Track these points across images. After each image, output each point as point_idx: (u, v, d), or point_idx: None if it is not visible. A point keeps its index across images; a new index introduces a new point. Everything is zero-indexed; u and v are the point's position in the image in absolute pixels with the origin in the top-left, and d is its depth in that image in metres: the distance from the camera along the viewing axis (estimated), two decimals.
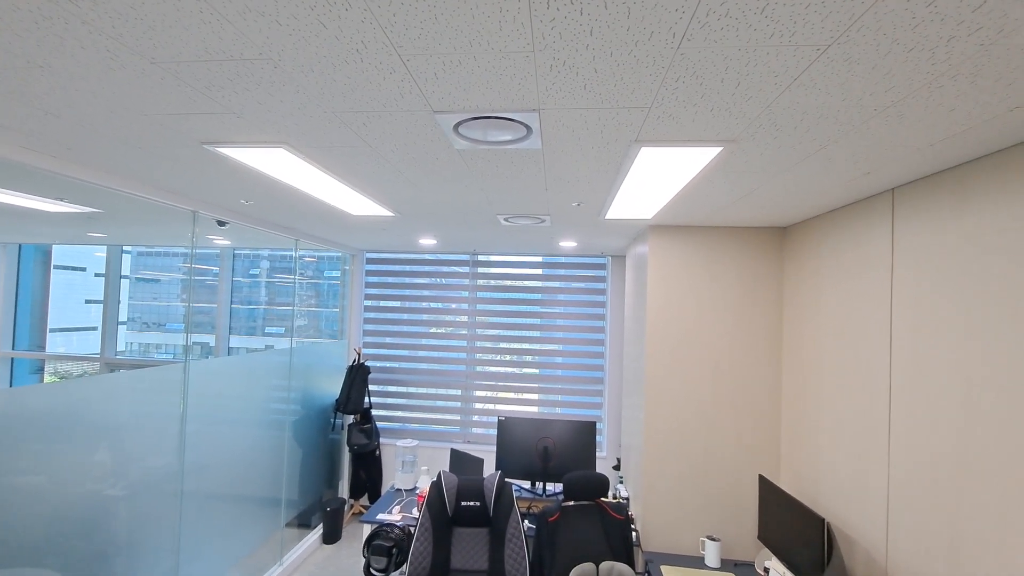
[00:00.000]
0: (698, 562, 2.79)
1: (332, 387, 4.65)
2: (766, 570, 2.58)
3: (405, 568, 2.65)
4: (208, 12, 0.97)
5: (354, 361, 4.67)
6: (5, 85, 1.32)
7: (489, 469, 3.76)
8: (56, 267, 5.92)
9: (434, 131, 1.57)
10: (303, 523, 4.20)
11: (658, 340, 3.03)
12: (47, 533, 2.07)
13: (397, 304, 5.04)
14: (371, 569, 2.97)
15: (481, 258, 4.89)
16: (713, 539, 2.77)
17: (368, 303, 5.05)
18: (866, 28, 0.94)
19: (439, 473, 2.82)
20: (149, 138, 1.72)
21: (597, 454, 4.01)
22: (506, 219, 3.00)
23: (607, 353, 4.64)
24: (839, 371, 2.33)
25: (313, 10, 0.95)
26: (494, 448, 3.70)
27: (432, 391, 4.91)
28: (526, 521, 2.99)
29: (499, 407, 4.80)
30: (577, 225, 3.17)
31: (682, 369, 3.01)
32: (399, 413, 4.98)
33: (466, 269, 4.91)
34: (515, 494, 2.93)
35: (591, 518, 2.72)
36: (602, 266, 4.71)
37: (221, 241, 4.35)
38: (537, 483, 3.61)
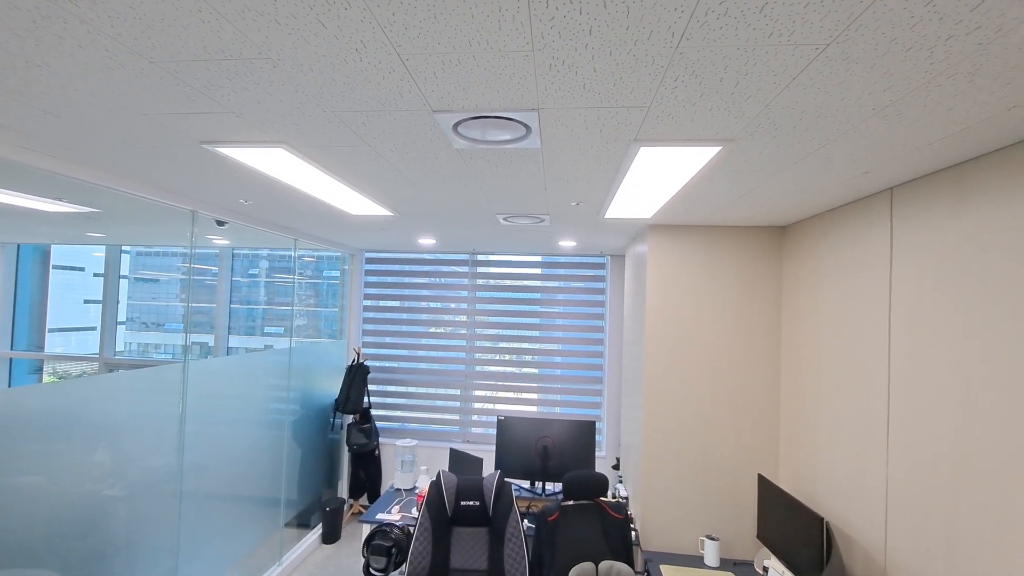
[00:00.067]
0: (697, 561, 2.80)
1: (331, 387, 4.65)
2: (765, 569, 2.58)
3: (404, 568, 2.65)
4: (207, 11, 0.96)
5: (353, 361, 4.67)
6: (4, 84, 1.32)
7: (488, 469, 3.76)
8: (55, 267, 5.91)
9: (433, 130, 1.57)
10: (302, 523, 4.19)
11: (657, 339, 3.04)
12: (46, 533, 2.07)
13: (396, 304, 5.04)
14: (370, 569, 2.97)
15: (480, 258, 4.89)
16: (712, 538, 2.77)
17: (367, 303, 5.05)
18: (864, 27, 0.95)
19: (438, 473, 2.82)
20: (148, 138, 1.72)
21: (596, 453, 4.00)
22: (505, 218, 3.01)
23: (606, 352, 4.64)
24: (838, 370, 2.33)
25: (312, 9, 0.95)
26: (493, 448, 3.70)
27: (431, 391, 4.91)
28: (525, 521, 2.99)
29: (498, 407, 4.80)
30: (576, 224, 3.17)
31: (681, 368, 3.01)
32: (398, 413, 4.97)
33: (465, 269, 4.91)
34: (514, 493, 2.93)
35: (590, 517, 2.73)
36: (601, 265, 4.71)
37: (220, 241, 4.34)
38: (536, 483, 3.62)
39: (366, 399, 4.64)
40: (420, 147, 1.73)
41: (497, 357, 4.86)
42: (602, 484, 2.76)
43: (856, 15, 0.91)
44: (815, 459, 2.51)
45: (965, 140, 1.46)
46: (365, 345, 5.00)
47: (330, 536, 4.32)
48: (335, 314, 5.17)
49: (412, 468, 3.83)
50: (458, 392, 4.87)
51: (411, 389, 4.98)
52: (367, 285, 5.06)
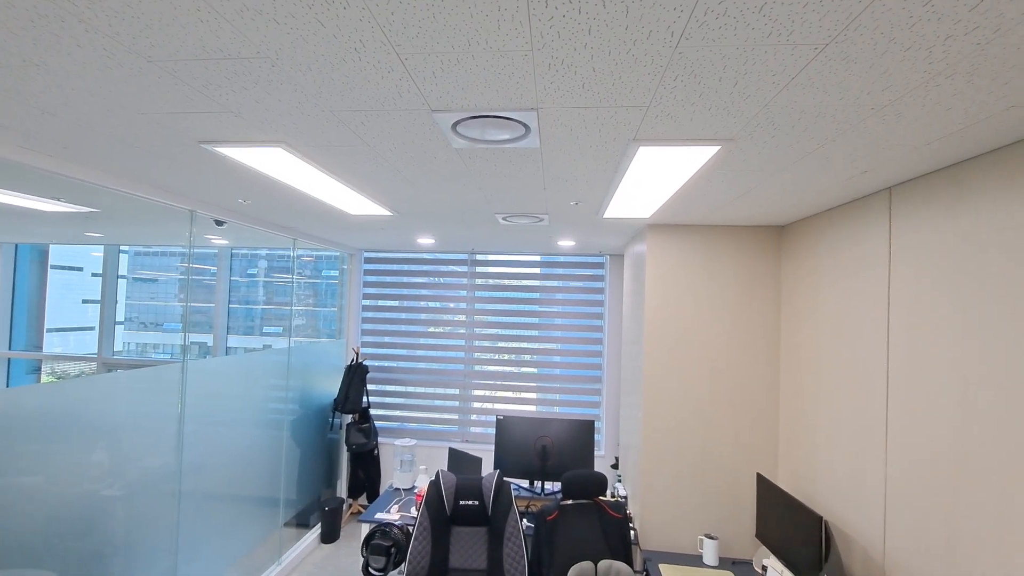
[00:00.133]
0: (696, 560, 2.80)
1: (330, 387, 4.65)
2: (764, 568, 2.59)
3: (404, 567, 2.64)
4: (206, 10, 0.96)
5: (352, 360, 4.67)
6: (1, 84, 1.32)
7: (487, 468, 3.76)
8: (53, 267, 5.90)
9: (432, 130, 1.57)
10: (301, 523, 4.19)
11: (656, 339, 3.04)
12: (44, 533, 2.06)
13: (395, 303, 5.04)
14: (369, 568, 2.97)
15: (479, 257, 4.89)
16: (711, 537, 2.78)
17: (366, 302, 5.04)
18: (863, 27, 0.95)
19: (437, 472, 2.82)
20: (146, 137, 1.71)
21: (595, 453, 4.01)
22: (504, 218, 3.00)
23: (605, 352, 4.65)
24: (836, 370, 2.34)
25: (311, 8, 0.95)
26: (492, 447, 3.70)
27: (430, 390, 4.91)
28: (524, 520, 2.99)
29: (497, 406, 4.80)
30: (575, 224, 3.17)
31: (680, 368, 3.01)
32: (397, 412, 4.97)
33: (464, 268, 4.90)
34: (513, 493, 2.94)
35: (589, 517, 2.73)
36: (600, 265, 4.72)
37: (219, 240, 4.34)
38: (535, 482, 3.62)
39: (365, 399, 4.63)
40: (419, 147, 1.73)
41: (496, 357, 4.86)
42: (601, 483, 2.76)
43: (855, 15, 0.91)
44: (814, 458, 2.52)
45: (963, 140, 1.46)
46: (364, 345, 5.00)
47: (329, 536, 4.32)
48: (334, 314, 5.16)
49: (411, 468, 3.83)
50: (457, 392, 4.87)
51: (410, 389, 4.97)
52: (366, 285, 5.06)
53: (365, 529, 3.18)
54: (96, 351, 5.19)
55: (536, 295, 4.82)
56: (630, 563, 2.61)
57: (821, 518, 2.12)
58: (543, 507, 2.78)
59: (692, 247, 3.04)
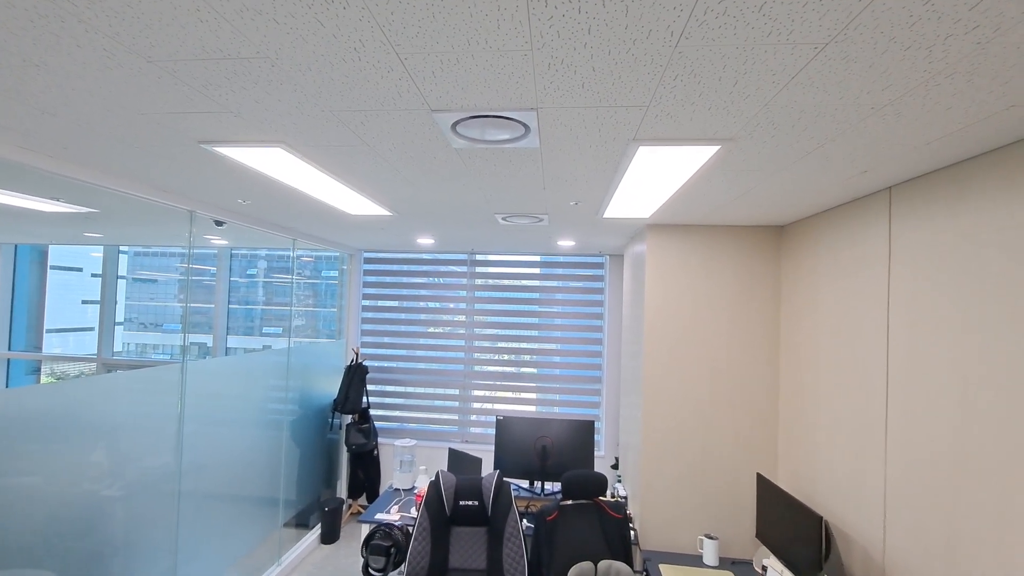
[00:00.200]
0: (696, 560, 2.80)
1: (330, 387, 4.64)
2: (764, 568, 2.59)
3: (403, 568, 2.64)
4: (205, 10, 0.96)
5: (352, 361, 4.67)
6: (1, 84, 1.32)
7: (487, 468, 3.76)
8: (52, 267, 5.90)
9: (432, 130, 1.57)
10: (301, 523, 4.19)
11: (656, 339, 3.04)
12: (44, 534, 2.06)
13: (395, 304, 5.04)
14: (369, 569, 2.97)
15: (479, 257, 4.89)
16: (711, 537, 2.78)
17: (366, 303, 5.04)
18: (863, 26, 0.95)
19: (437, 473, 2.82)
20: (146, 137, 1.71)
21: (595, 453, 4.01)
22: (504, 218, 3.00)
23: (605, 352, 4.65)
24: (836, 369, 2.34)
25: (311, 8, 0.95)
26: (492, 447, 3.70)
27: (430, 391, 4.91)
28: (524, 520, 2.99)
29: (497, 406, 4.80)
30: (575, 224, 3.17)
31: (680, 368, 3.01)
32: (397, 413, 4.97)
33: (464, 268, 4.90)
34: (513, 493, 2.94)
35: (589, 517, 2.73)
36: (600, 265, 4.72)
37: (218, 241, 4.33)
38: (535, 482, 3.62)
39: (365, 399, 4.63)
40: (419, 146, 1.73)
41: (496, 357, 4.85)
42: (601, 483, 2.76)
43: (855, 14, 0.91)
44: (814, 458, 2.52)
45: (964, 139, 1.46)
46: (364, 345, 5.00)
47: (329, 536, 4.32)
48: (334, 314, 5.16)
49: (411, 468, 3.83)
50: (457, 392, 4.86)
51: (410, 389, 4.97)
52: (366, 285, 5.06)
53: (365, 529, 3.18)
54: (96, 352, 5.19)
55: (536, 295, 4.81)
56: (630, 563, 2.61)
57: (821, 518, 2.12)
58: (543, 507, 2.78)
59: (692, 247, 3.04)
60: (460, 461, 3.61)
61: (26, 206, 2.87)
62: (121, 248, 5.76)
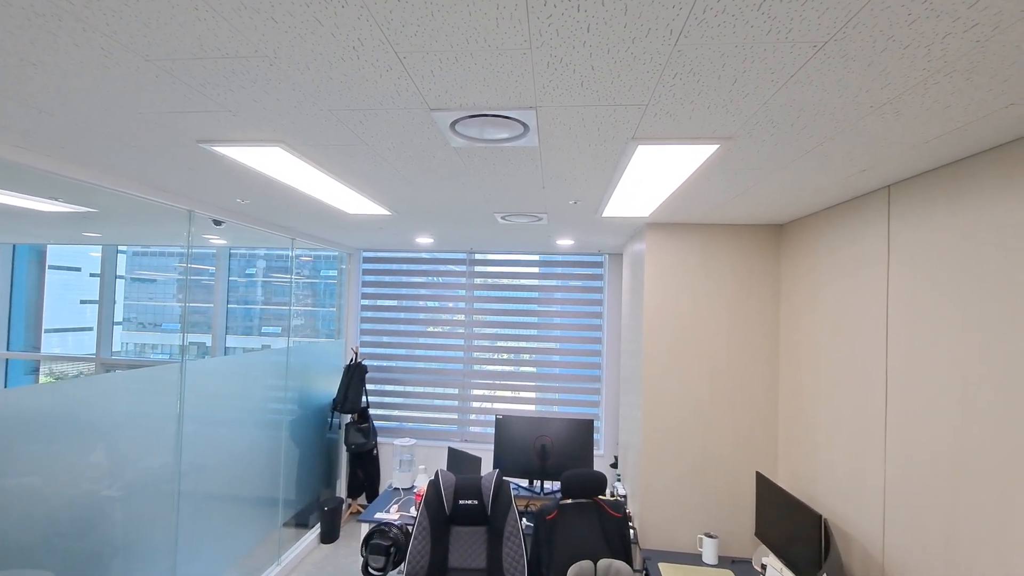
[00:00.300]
0: (696, 559, 2.80)
1: (329, 386, 4.64)
2: (763, 567, 2.59)
3: (403, 567, 2.64)
4: (203, 9, 0.96)
5: (351, 360, 4.66)
6: None
7: (487, 468, 3.76)
8: (51, 267, 5.90)
9: (431, 129, 1.57)
10: (301, 523, 4.19)
11: (655, 338, 3.04)
12: (43, 534, 2.06)
13: (394, 303, 5.04)
14: (369, 568, 2.97)
15: (478, 257, 4.89)
16: (711, 536, 2.78)
17: (365, 302, 5.04)
18: (862, 25, 0.95)
19: (437, 472, 2.82)
20: (144, 136, 1.71)
21: (595, 452, 4.01)
22: (503, 217, 3.00)
23: (604, 351, 4.65)
24: (836, 368, 2.34)
25: (309, 7, 0.94)
26: (492, 447, 3.70)
27: (429, 390, 4.91)
28: (524, 519, 2.99)
29: (496, 406, 4.80)
30: (574, 223, 3.17)
31: (679, 367, 3.01)
32: (396, 412, 4.97)
33: (463, 268, 4.90)
34: (513, 492, 2.93)
35: (589, 516, 2.73)
36: (599, 264, 4.72)
37: (217, 240, 4.33)
38: (535, 481, 3.62)
39: (364, 398, 4.63)
40: (417, 145, 1.73)
41: (495, 356, 4.85)
42: (600, 482, 2.76)
43: (854, 12, 0.91)
44: (813, 457, 2.52)
45: (962, 137, 1.46)
46: (363, 344, 5.00)
47: (328, 536, 4.32)
48: (333, 314, 5.16)
49: (410, 467, 3.83)
50: (456, 391, 4.86)
51: (409, 388, 4.97)
52: (365, 284, 5.05)
53: (364, 529, 3.18)
54: (94, 351, 5.18)
55: (535, 294, 4.81)
56: (630, 562, 2.61)
57: (820, 517, 2.13)
58: (542, 506, 2.78)
59: (691, 246, 3.04)
60: (459, 460, 3.61)
61: (24, 206, 2.87)
62: (120, 248, 5.75)
